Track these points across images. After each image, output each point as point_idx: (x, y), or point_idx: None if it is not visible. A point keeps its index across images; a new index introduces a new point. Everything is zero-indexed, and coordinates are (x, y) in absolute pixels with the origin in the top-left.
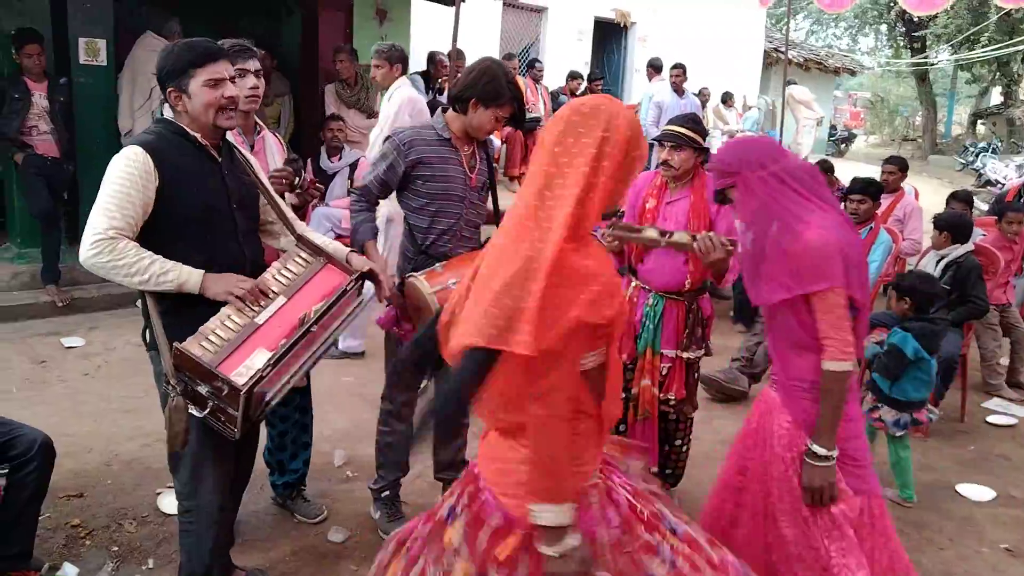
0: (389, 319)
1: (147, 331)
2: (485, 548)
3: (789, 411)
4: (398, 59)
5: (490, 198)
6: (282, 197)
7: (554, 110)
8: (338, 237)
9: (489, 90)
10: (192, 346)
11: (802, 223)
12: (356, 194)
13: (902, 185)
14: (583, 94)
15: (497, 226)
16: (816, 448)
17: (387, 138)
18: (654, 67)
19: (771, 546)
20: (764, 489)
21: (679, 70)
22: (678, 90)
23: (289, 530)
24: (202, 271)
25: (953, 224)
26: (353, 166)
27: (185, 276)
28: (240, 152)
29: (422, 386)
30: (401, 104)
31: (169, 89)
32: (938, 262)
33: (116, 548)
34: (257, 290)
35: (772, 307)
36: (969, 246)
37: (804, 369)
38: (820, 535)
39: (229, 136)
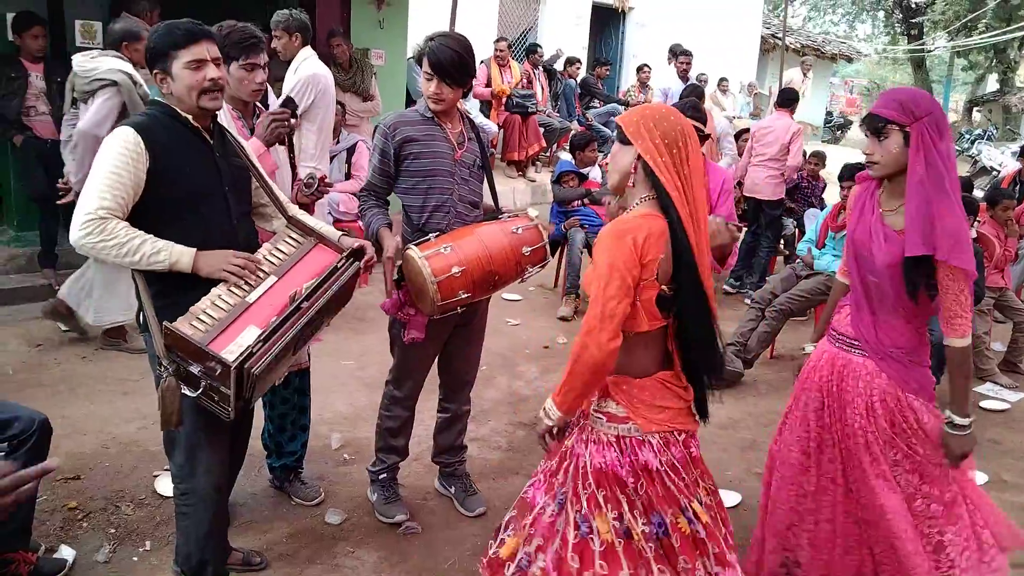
0: (393, 304)
1: (140, 313)
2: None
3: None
4: (297, 28)
5: (486, 179)
6: (283, 141)
7: (551, 95)
8: (336, 221)
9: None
10: (183, 325)
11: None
12: (363, 194)
13: None
14: (583, 80)
15: (496, 207)
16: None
17: (375, 128)
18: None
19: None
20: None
21: (687, 57)
22: (684, 77)
23: (286, 512)
24: (194, 249)
25: None
26: (351, 150)
27: (177, 255)
28: (232, 135)
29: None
30: (307, 80)
31: (155, 72)
32: None
33: (113, 530)
34: (252, 263)
35: (887, 267)
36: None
37: (903, 337)
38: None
39: (225, 120)
